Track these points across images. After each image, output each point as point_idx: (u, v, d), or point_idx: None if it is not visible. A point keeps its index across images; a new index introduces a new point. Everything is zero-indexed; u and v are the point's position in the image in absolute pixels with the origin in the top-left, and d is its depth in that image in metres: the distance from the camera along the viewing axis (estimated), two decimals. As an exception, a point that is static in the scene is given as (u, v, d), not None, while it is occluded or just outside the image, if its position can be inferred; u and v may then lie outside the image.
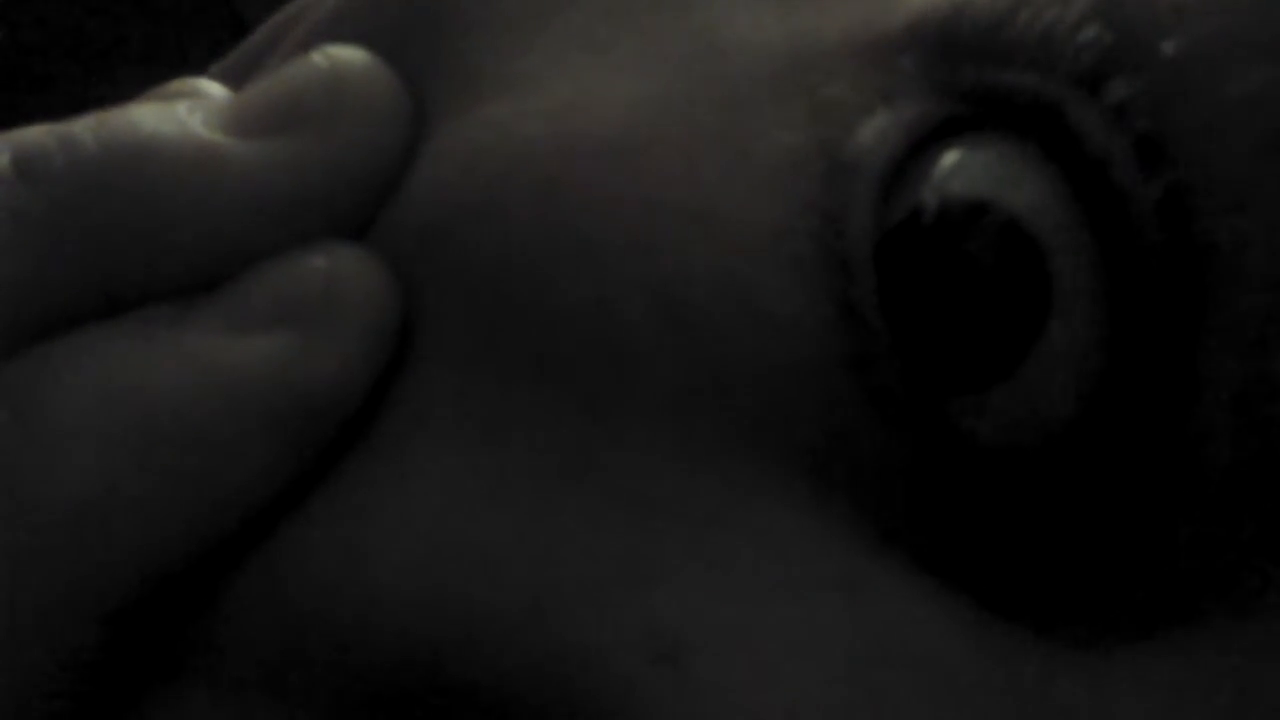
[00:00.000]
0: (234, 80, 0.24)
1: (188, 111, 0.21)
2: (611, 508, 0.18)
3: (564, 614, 0.18)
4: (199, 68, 0.46)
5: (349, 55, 0.22)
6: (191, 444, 0.19)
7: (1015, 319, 0.18)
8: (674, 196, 0.19)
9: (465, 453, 0.19)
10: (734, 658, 0.17)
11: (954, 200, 0.18)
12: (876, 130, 0.19)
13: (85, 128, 0.21)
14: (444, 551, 0.19)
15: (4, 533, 0.19)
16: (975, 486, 0.18)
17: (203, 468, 0.19)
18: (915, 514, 0.18)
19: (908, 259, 0.18)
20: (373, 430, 0.20)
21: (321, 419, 0.20)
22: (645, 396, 0.19)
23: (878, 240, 0.18)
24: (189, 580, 0.19)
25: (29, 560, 0.19)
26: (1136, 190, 0.18)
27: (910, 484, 0.18)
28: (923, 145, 0.19)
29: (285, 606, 0.19)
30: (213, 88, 0.24)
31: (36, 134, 0.21)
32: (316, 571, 0.19)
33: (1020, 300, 0.18)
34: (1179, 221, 0.18)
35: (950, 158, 0.19)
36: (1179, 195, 0.18)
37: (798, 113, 0.19)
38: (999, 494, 0.18)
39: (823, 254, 0.19)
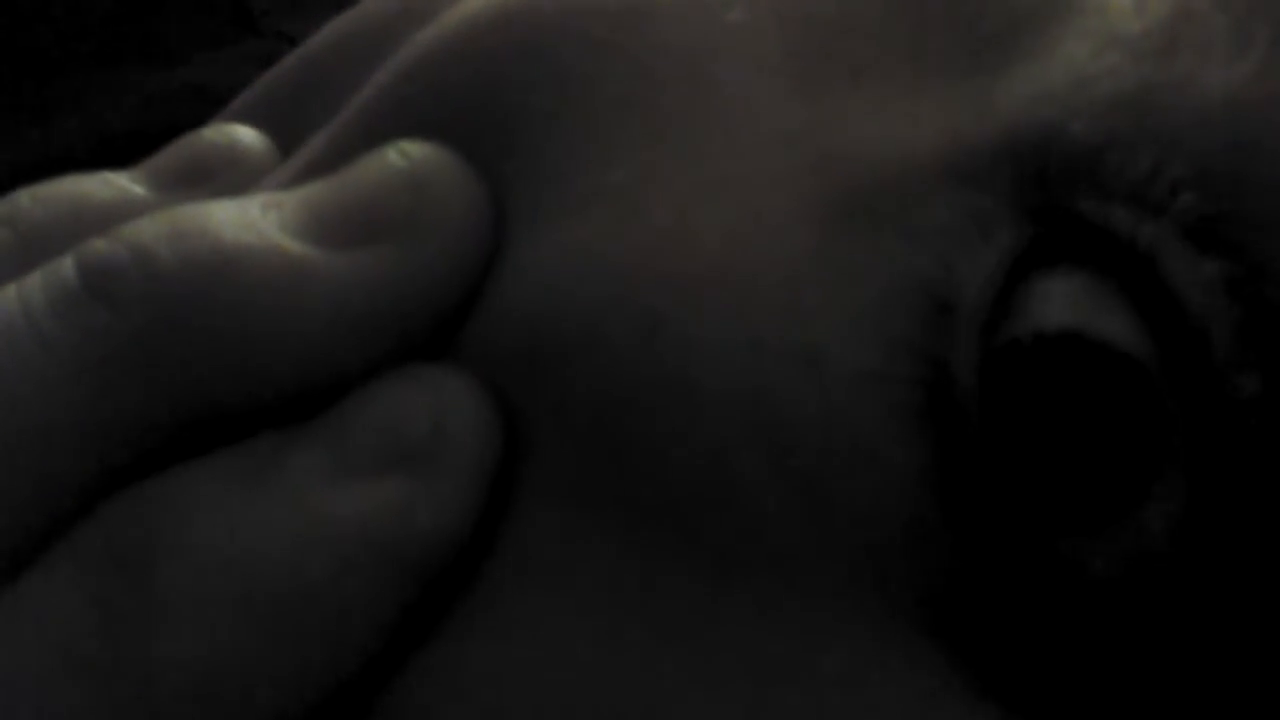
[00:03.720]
0: (270, 125, 0.24)
1: (262, 214, 0.20)
2: (731, 668, 0.18)
3: None
4: (199, 63, 0.45)
5: (429, 156, 0.21)
6: (302, 606, 0.19)
7: (1125, 458, 0.18)
8: (778, 336, 0.19)
9: (575, 605, 0.19)
10: None
11: (1056, 335, 0.18)
12: (975, 266, 0.19)
13: (158, 237, 0.19)
14: (553, 711, 0.18)
15: (115, 703, 0.18)
16: (1074, 625, 0.18)
17: (313, 629, 0.19)
18: (1015, 660, 0.18)
19: (1012, 397, 0.18)
20: (478, 576, 0.19)
21: (431, 569, 0.19)
22: (761, 550, 0.18)
23: (981, 378, 0.18)
24: None
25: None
26: (1232, 359, 0.18)
27: (1012, 626, 0.18)
28: (1016, 270, 0.19)
29: None
30: (250, 140, 0.23)
31: (106, 247, 0.20)
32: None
33: (1129, 440, 0.18)
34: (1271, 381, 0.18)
35: (1050, 290, 0.18)
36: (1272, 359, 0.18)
37: (893, 238, 0.19)
38: (1100, 628, 0.18)
39: (928, 398, 0.18)
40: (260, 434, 0.20)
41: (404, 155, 0.21)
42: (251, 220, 0.20)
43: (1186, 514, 0.18)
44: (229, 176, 0.23)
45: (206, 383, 0.19)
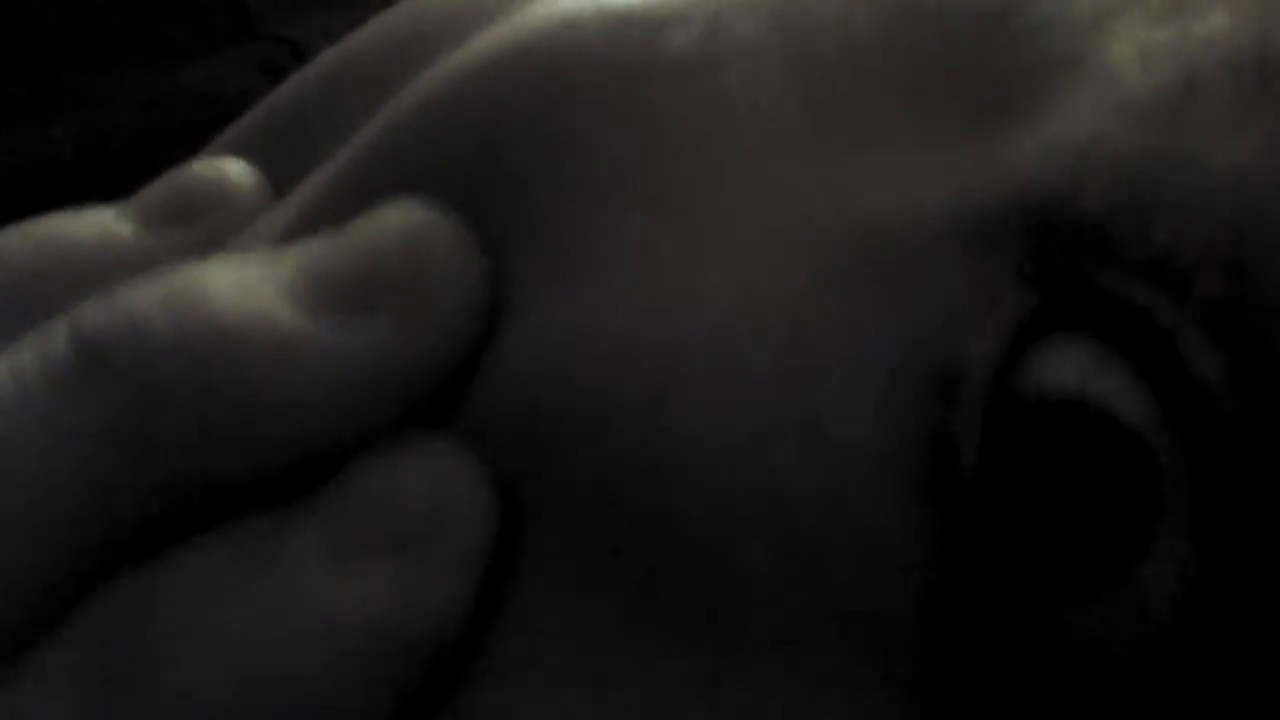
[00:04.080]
0: (260, 154, 0.23)
1: (259, 280, 0.20)
2: None
3: None
4: (197, 65, 0.45)
5: (426, 220, 0.20)
6: (301, 701, 0.18)
7: (1122, 526, 0.18)
8: (783, 412, 0.18)
9: (576, 683, 0.19)
10: None
11: (1060, 402, 0.18)
12: (980, 333, 0.18)
13: (152, 305, 0.19)
14: None
15: None
16: (1075, 691, 0.18)
17: (309, 706, 0.18)
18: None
19: (1014, 463, 0.18)
20: (479, 654, 0.19)
21: (430, 652, 0.19)
22: (763, 628, 0.18)
23: (982, 449, 0.18)
24: None
25: None
26: (1248, 435, 0.18)
27: (1022, 705, 0.18)
28: (1022, 336, 0.18)
29: None
30: (242, 180, 0.23)
31: (99, 315, 0.19)
32: None
33: (1126, 508, 0.18)
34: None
35: (1054, 359, 0.18)
36: None
37: (898, 304, 0.19)
38: (1097, 692, 0.18)
39: (931, 470, 0.18)
40: (255, 514, 0.19)
41: (402, 218, 0.20)
42: (248, 288, 0.19)
43: (1189, 581, 0.18)
44: (218, 216, 0.23)
45: (201, 458, 0.19)
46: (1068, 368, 0.18)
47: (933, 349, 0.18)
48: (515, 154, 0.20)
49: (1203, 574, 0.18)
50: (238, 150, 0.24)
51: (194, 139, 0.26)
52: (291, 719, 0.18)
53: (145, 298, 0.19)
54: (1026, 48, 0.20)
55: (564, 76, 0.21)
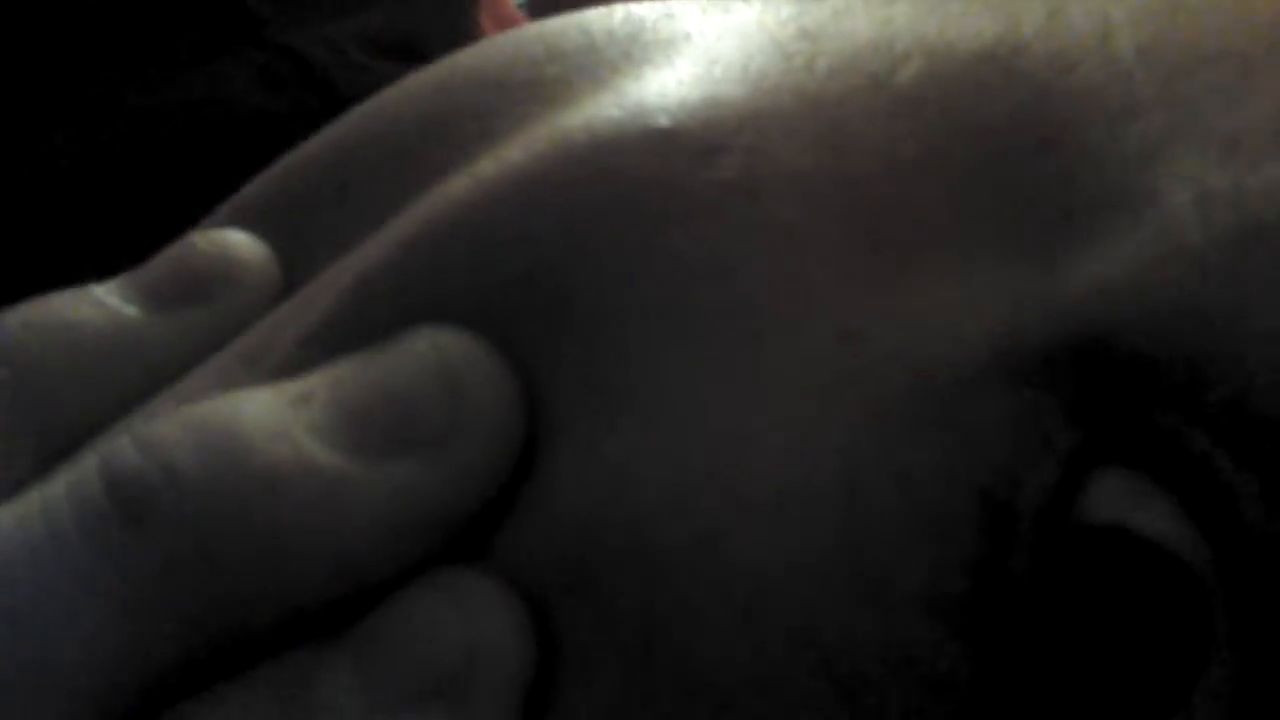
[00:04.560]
0: (271, 230, 0.23)
1: (294, 415, 0.19)
2: None
3: None
4: (199, 73, 0.45)
5: (463, 351, 0.20)
6: None
7: (1174, 655, 0.18)
8: (835, 561, 0.18)
9: None
10: None
11: (1108, 534, 0.18)
12: (1033, 471, 0.18)
13: (186, 450, 0.19)
14: None
15: None
16: None
17: None
18: None
19: (1066, 598, 0.18)
20: None
21: None
22: None
23: (1036, 584, 0.18)
24: None
25: None
26: None
27: None
28: (1074, 471, 0.19)
29: None
30: (249, 258, 0.22)
31: (132, 458, 0.19)
32: None
33: (1178, 637, 0.18)
34: None
35: (1105, 494, 0.18)
36: None
37: (950, 444, 0.19)
38: None
39: (984, 612, 0.18)
40: (291, 649, 0.19)
41: (437, 349, 0.20)
42: (283, 427, 0.19)
43: (1233, 707, 0.18)
44: (227, 299, 0.22)
45: (240, 606, 0.19)
46: (1117, 500, 0.18)
47: (986, 489, 0.18)
48: (557, 282, 0.20)
49: (1245, 699, 0.18)
50: (243, 220, 0.24)
51: (194, 146, 0.26)
52: None
53: (178, 437, 0.19)
54: (1077, 178, 0.20)
55: (609, 204, 0.20)
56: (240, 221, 0.23)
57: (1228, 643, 0.18)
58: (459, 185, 0.21)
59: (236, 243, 0.23)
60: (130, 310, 0.22)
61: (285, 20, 0.43)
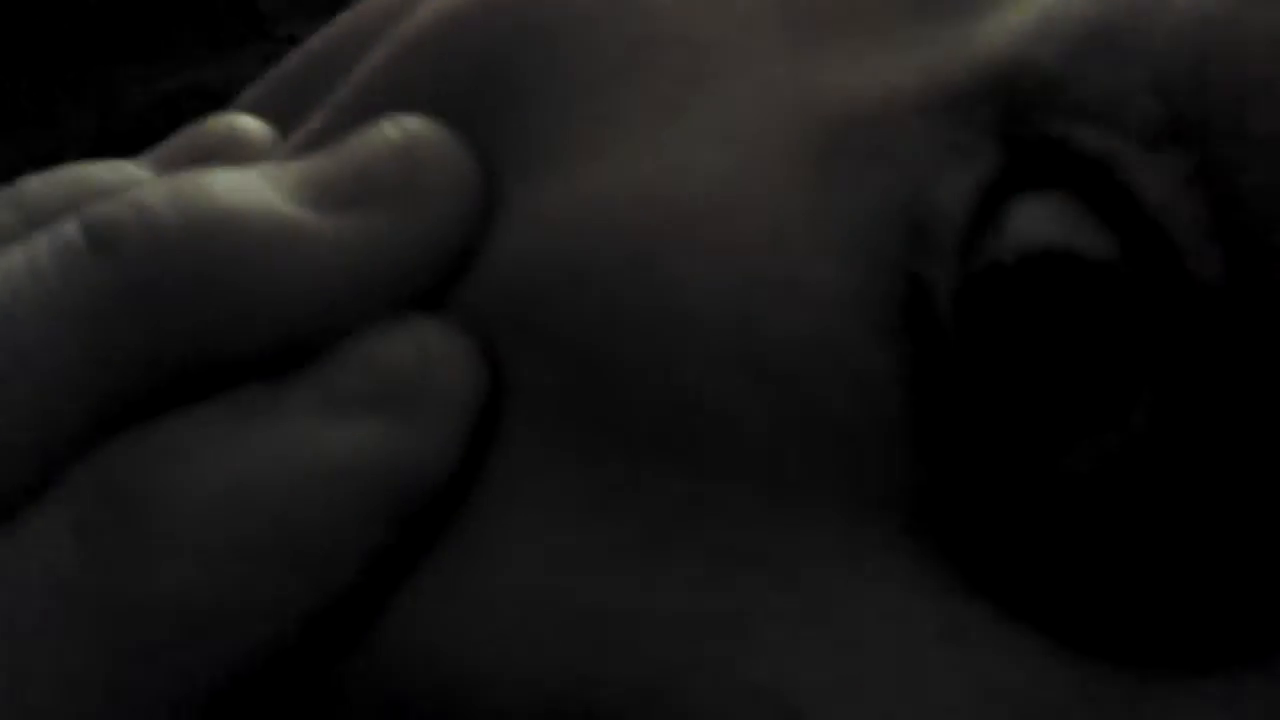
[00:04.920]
0: (273, 116, 0.24)
1: (262, 181, 0.21)
2: (719, 572, 0.19)
3: (681, 684, 0.18)
4: (205, 65, 0.45)
5: (421, 128, 0.22)
6: (293, 539, 0.19)
7: (1101, 362, 0.19)
8: (765, 267, 0.20)
9: (565, 525, 0.19)
10: (852, 714, 0.18)
11: (1035, 251, 0.19)
12: (953, 191, 0.19)
13: (159, 197, 0.20)
14: (551, 624, 0.19)
15: (107, 631, 0.19)
16: (1063, 527, 0.19)
17: (301, 561, 0.19)
18: (1001, 560, 0.19)
19: (991, 311, 0.19)
20: (469, 506, 0.20)
21: (419, 501, 0.20)
22: (745, 462, 0.19)
23: (959, 296, 0.19)
24: (293, 666, 0.20)
25: (132, 659, 0.19)
26: (1198, 254, 0.18)
27: (998, 529, 0.19)
28: (993, 197, 0.19)
29: (390, 682, 0.19)
30: (252, 127, 0.24)
31: (109, 206, 0.20)
32: (419, 648, 0.19)
33: (1104, 345, 0.19)
34: (1237, 275, 0.18)
35: (1025, 209, 0.19)
36: (1238, 257, 0.18)
37: (875, 169, 0.20)
38: (1085, 532, 0.19)
39: (910, 314, 0.19)
40: (252, 384, 0.20)
41: (398, 128, 0.21)
42: (249, 184, 0.21)
43: (1163, 409, 0.18)
44: (231, 159, 0.23)
45: (203, 332, 0.20)
46: (1034, 218, 0.19)
47: (909, 205, 0.19)
48: (508, 65, 0.22)
49: (1174, 400, 0.18)
50: (248, 112, 0.25)
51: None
52: (281, 554, 0.19)
53: (152, 189, 0.20)
54: None
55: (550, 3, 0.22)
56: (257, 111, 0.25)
57: (1158, 359, 0.18)
58: (425, 10, 0.23)
59: (241, 119, 0.24)
60: (145, 173, 0.23)
61: (291, 15, 0.43)
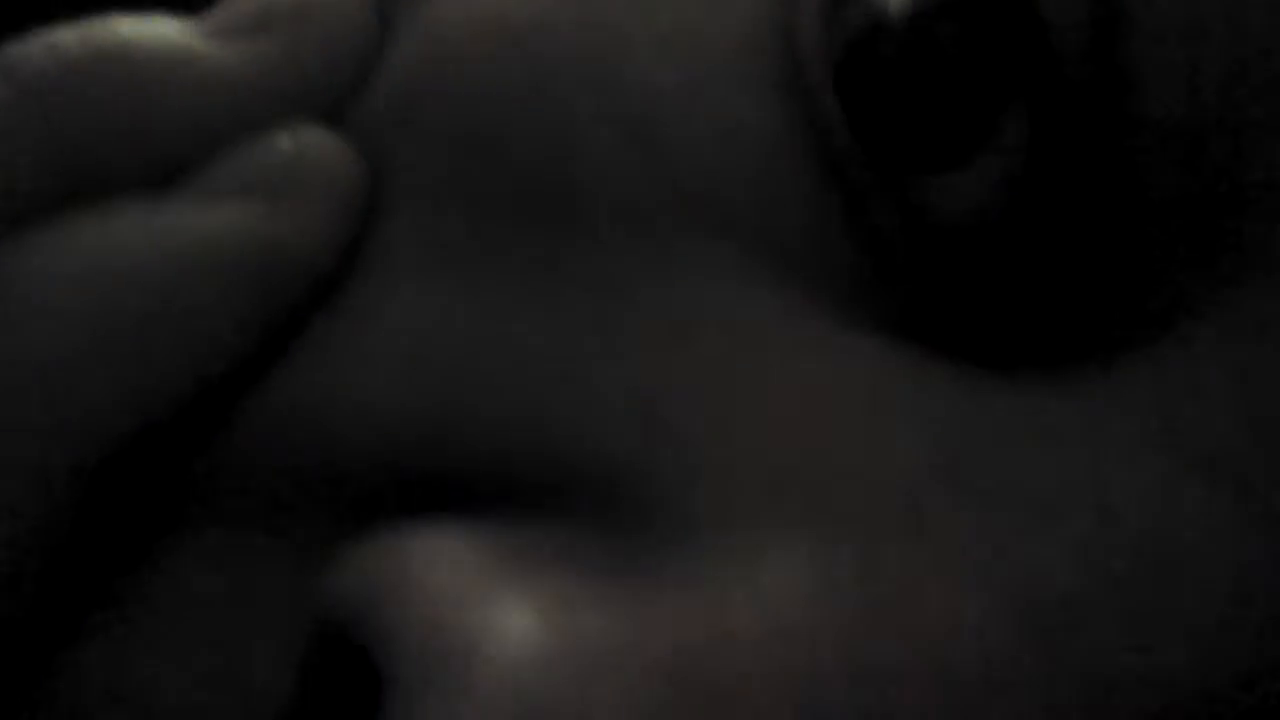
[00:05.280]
0: None
1: (169, 22, 0.22)
2: (585, 303, 0.19)
3: (555, 400, 0.19)
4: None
5: None
6: (166, 311, 0.20)
7: (970, 108, 0.19)
8: (639, 24, 0.20)
9: (442, 283, 0.20)
10: (713, 407, 0.18)
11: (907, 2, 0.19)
12: None
13: (69, 33, 0.21)
14: (429, 362, 0.20)
15: None
16: (940, 258, 0.20)
17: (179, 334, 0.20)
18: (884, 290, 0.20)
19: (868, 58, 0.19)
20: (348, 282, 0.21)
21: (292, 273, 0.20)
22: (613, 209, 0.20)
23: (838, 43, 0.19)
24: (185, 433, 0.20)
25: (6, 423, 0.19)
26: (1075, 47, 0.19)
27: (878, 262, 0.20)
28: None
29: (280, 435, 0.20)
30: None
31: (22, 45, 0.21)
32: (307, 397, 0.20)
33: (973, 91, 0.19)
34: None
35: None
36: None
37: None
38: (962, 262, 0.20)
39: (783, 63, 0.20)
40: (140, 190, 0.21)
41: None
42: (155, 24, 0.22)
43: (1030, 150, 0.19)
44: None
45: (95, 144, 0.21)
46: None
47: None
48: None
49: (1037, 155, 0.19)
50: None
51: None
52: (157, 319, 0.20)
53: (66, 30, 0.22)
54: None
55: None
56: None
57: (1027, 84, 0.19)
58: None
59: None
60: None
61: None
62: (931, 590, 0.17)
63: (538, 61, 0.20)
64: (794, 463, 0.18)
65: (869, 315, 0.20)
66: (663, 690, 0.16)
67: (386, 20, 0.22)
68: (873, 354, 0.19)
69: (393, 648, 0.17)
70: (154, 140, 0.21)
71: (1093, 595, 0.17)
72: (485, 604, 0.17)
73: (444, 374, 0.20)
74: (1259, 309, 0.18)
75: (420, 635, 0.17)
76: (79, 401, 0.19)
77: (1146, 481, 0.18)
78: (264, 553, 0.20)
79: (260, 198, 0.21)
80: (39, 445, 0.19)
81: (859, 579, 0.17)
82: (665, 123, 0.20)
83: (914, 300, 0.20)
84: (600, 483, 0.18)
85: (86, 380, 0.19)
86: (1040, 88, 0.19)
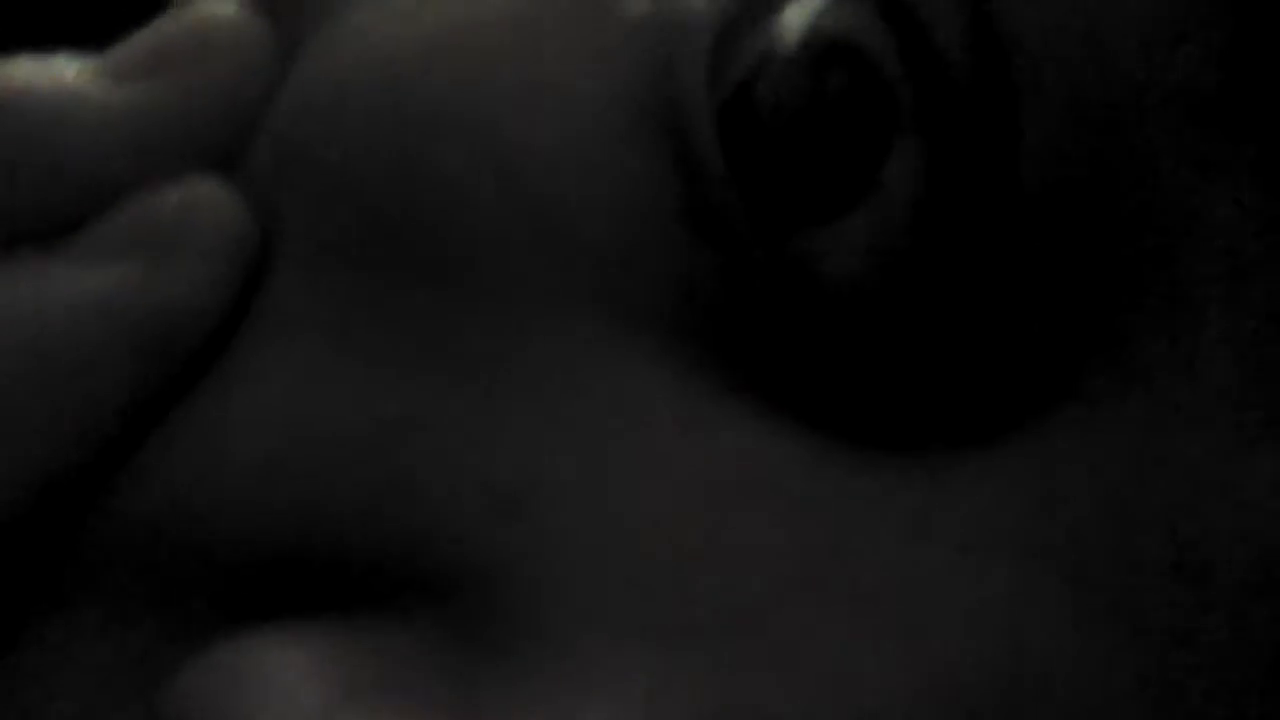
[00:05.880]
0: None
1: (65, 65, 0.21)
2: (458, 379, 0.19)
3: (417, 486, 0.18)
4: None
5: (215, 7, 0.22)
6: (39, 368, 0.19)
7: (852, 157, 0.19)
8: (517, 75, 0.20)
9: (314, 347, 0.19)
10: (578, 501, 0.18)
11: (790, 41, 0.19)
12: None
13: None
14: (296, 443, 0.19)
15: None
16: (821, 321, 0.19)
17: (49, 395, 0.19)
18: (761, 355, 0.19)
19: (748, 106, 0.19)
20: (231, 344, 0.20)
21: (175, 335, 0.20)
22: (490, 271, 0.19)
23: (728, 82, 0.19)
24: (62, 508, 0.20)
25: None
26: (950, 44, 0.19)
27: (756, 326, 0.19)
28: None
29: (155, 515, 0.20)
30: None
31: None
32: (179, 477, 0.20)
33: (858, 137, 0.19)
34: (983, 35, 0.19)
35: (794, 6, 0.19)
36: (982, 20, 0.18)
37: None
38: (844, 326, 0.19)
39: (661, 112, 0.19)
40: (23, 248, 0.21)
41: (193, 10, 0.22)
42: (50, 68, 0.21)
43: (919, 200, 0.18)
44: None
45: None
46: (794, 11, 0.19)
47: (664, 11, 0.19)
48: None
49: (931, 193, 0.18)
50: None
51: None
52: (37, 382, 0.19)
53: None
54: None
55: None
56: None
57: (914, 126, 0.18)
58: None
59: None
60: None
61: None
62: (769, 699, 0.17)
63: (418, 106, 0.20)
64: (658, 564, 0.18)
65: (747, 380, 0.19)
66: None
67: (291, 53, 0.22)
68: (746, 431, 0.18)
69: None
70: (39, 194, 0.21)
71: (930, 715, 0.17)
72: None
73: (312, 455, 0.19)
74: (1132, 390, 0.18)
75: None
76: None
77: (1004, 586, 0.17)
78: (146, 633, 0.20)
79: (146, 256, 0.20)
80: None
81: (697, 693, 0.17)
82: (540, 183, 0.19)
83: (792, 367, 0.19)
84: (461, 579, 0.18)
85: None
86: (934, 118, 0.18)
